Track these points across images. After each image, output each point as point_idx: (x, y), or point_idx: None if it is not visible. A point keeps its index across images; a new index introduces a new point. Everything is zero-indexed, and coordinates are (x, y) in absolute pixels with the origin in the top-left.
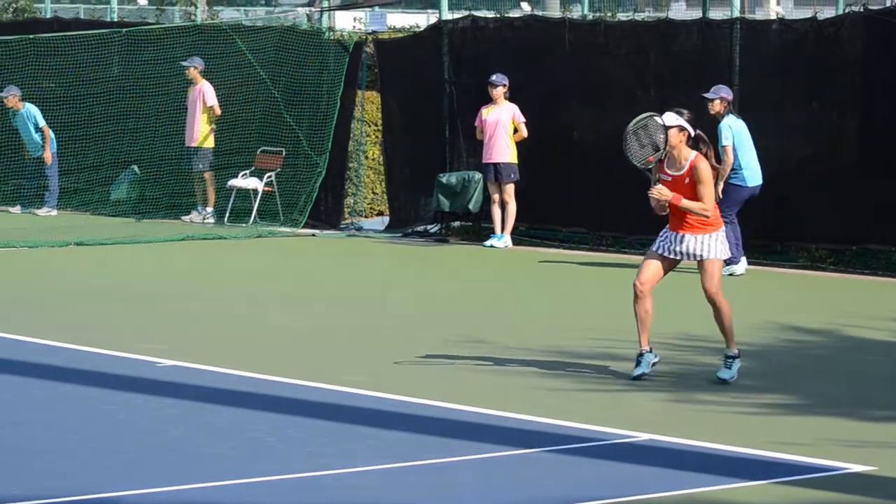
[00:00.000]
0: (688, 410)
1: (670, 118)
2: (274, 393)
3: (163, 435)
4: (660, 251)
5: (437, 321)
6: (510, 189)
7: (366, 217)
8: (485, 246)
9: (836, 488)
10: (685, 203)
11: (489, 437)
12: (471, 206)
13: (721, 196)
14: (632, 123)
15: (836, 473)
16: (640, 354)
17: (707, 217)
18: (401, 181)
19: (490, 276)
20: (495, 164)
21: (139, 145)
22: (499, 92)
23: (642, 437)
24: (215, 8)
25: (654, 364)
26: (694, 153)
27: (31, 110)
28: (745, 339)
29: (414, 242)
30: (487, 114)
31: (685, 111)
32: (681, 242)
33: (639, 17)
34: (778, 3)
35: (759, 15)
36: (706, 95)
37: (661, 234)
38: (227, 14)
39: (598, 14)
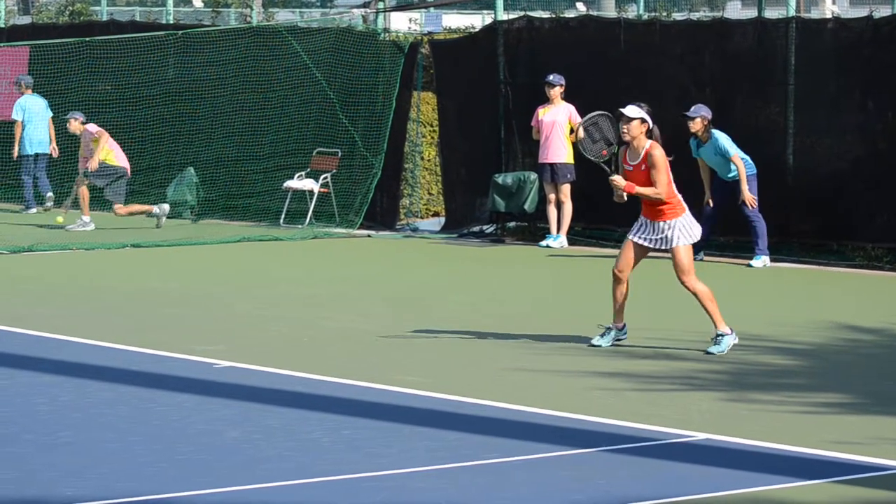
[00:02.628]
0: (743, 409)
1: (632, 110)
2: (329, 394)
3: (219, 436)
4: (635, 239)
5: (493, 322)
6: (566, 189)
7: (421, 218)
8: (540, 246)
9: (891, 487)
10: (638, 189)
11: (544, 436)
12: (526, 207)
13: (754, 195)
14: (584, 119)
15: (892, 473)
16: (608, 328)
17: (661, 200)
18: (456, 182)
19: (545, 277)
20: (551, 165)
21: (195, 147)
22: (556, 92)
23: (698, 436)
24: (271, 10)
25: (618, 340)
26: (649, 142)
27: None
28: (800, 337)
29: (469, 243)
30: (544, 114)
31: (644, 105)
32: (653, 231)
33: (694, 16)
34: (833, 2)
35: (814, 14)
36: (687, 114)
37: (637, 222)
38: (283, 16)
39: (653, 14)
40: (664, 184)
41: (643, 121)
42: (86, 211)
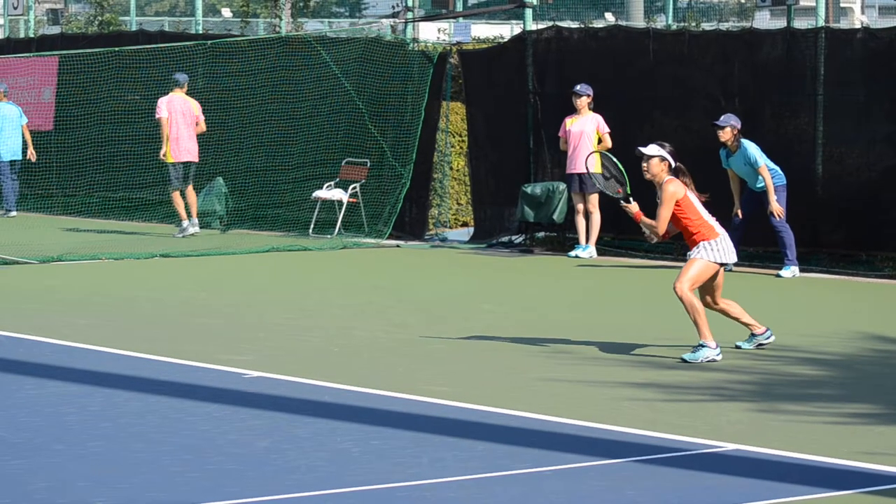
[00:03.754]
0: (773, 420)
1: (652, 149)
2: (359, 404)
3: (249, 446)
4: None
5: (521, 331)
6: (594, 199)
7: (450, 228)
8: (569, 256)
9: None
10: (643, 219)
11: (574, 447)
12: (555, 217)
13: (781, 206)
14: (599, 159)
15: None
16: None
17: (656, 231)
18: (485, 192)
19: (574, 287)
20: (580, 175)
21: (224, 157)
22: (583, 102)
23: (728, 447)
24: (300, 20)
25: (762, 345)
26: (668, 177)
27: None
28: (830, 348)
29: (498, 253)
30: (572, 124)
31: (667, 144)
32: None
33: (723, 26)
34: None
35: (843, 24)
36: (716, 123)
37: None
38: (312, 26)
39: (682, 24)
40: (663, 219)
41: (662, 159)
42: (183, 215)
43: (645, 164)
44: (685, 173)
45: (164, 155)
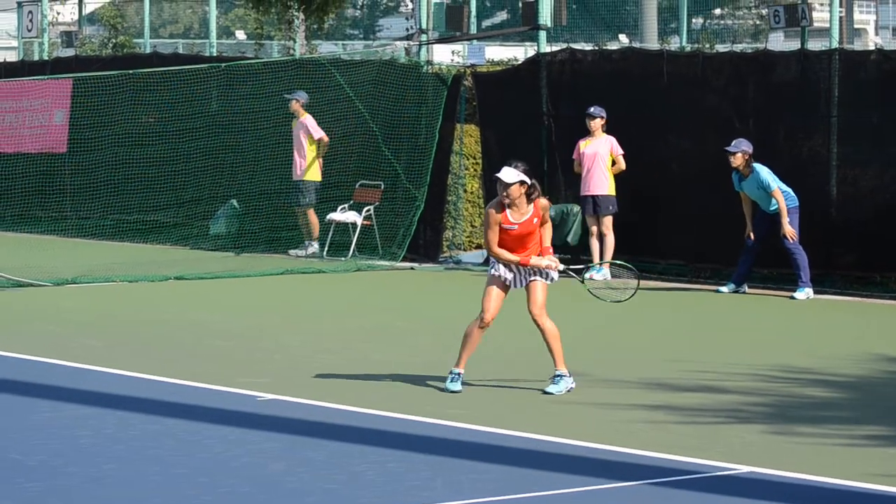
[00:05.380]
0: (787, 442)
1: (510, 175)
2: (373, 426)
3: (263, 469)
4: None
5: (536, 354)
6: (608, 221)
7: (465, 250)
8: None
9: None
10: (533, 259)
11: (588, 469)
12: (569, 239)
13: (794, 228)
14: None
15: None
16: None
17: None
18: None
19: (588, 309)
20: (593, 197)
21: (238, 180)
22: (597, 124)
23: (742, 469)
24: (314, 42)
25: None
26: (533, 198)
27: None
28: (844, 370)
29: None
30: (585, 146)
31: (520, 163)
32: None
33: (737, 48)
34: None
35: (857, 46)
36: (728, 149)
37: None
38: (326, 48)
39: (696, 45)
40: (549, 237)
41: (522, 182)
42: (315, 234)
43: (506, 192)
44: (537, 188)
45: (305, 173)
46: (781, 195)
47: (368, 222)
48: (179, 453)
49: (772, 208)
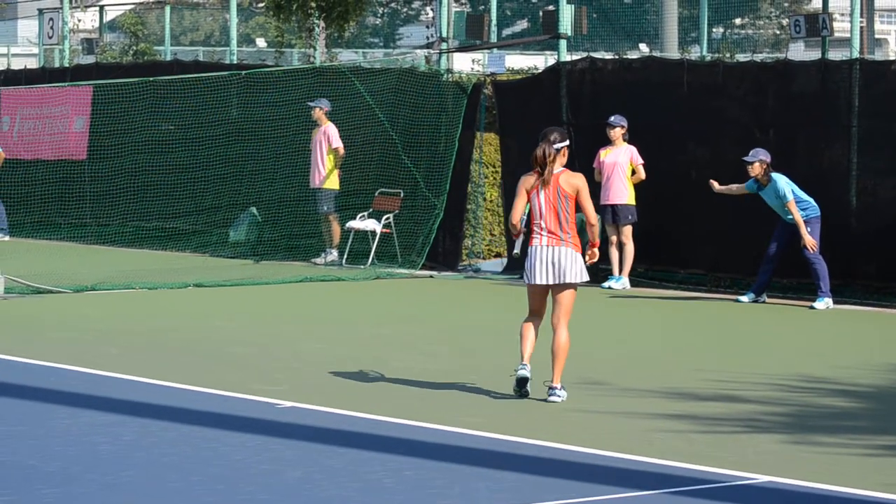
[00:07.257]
0: (805, 452)
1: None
2: (391, 434)
3: (281, 476)
4: None
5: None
6: (628, 230)
7: (484, 259)
8: (603, 288)
9: None
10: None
11: (606, 478)
12: None
13: (814, 238)
14: None
15: None
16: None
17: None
18: None
19: (607, 319)
20: (613, 206)
21: (258, 187)
22: (617, 133)
23: (760, 478)
24: (334, 50)
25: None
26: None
27: None
28: (863, 380)
29: None
30: (605, 155)
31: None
32: None
33: (758, 58)
34: None
35: (878, 55)
36: (745, 159)
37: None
38: (346, 56)
39: (716, 55)
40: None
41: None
42: (337, 241)
43: (551, 155)
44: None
45: (325, 181)
46: (796, 207)
47: (388, 230)
48: (197, 460)
49: (790, 218)
